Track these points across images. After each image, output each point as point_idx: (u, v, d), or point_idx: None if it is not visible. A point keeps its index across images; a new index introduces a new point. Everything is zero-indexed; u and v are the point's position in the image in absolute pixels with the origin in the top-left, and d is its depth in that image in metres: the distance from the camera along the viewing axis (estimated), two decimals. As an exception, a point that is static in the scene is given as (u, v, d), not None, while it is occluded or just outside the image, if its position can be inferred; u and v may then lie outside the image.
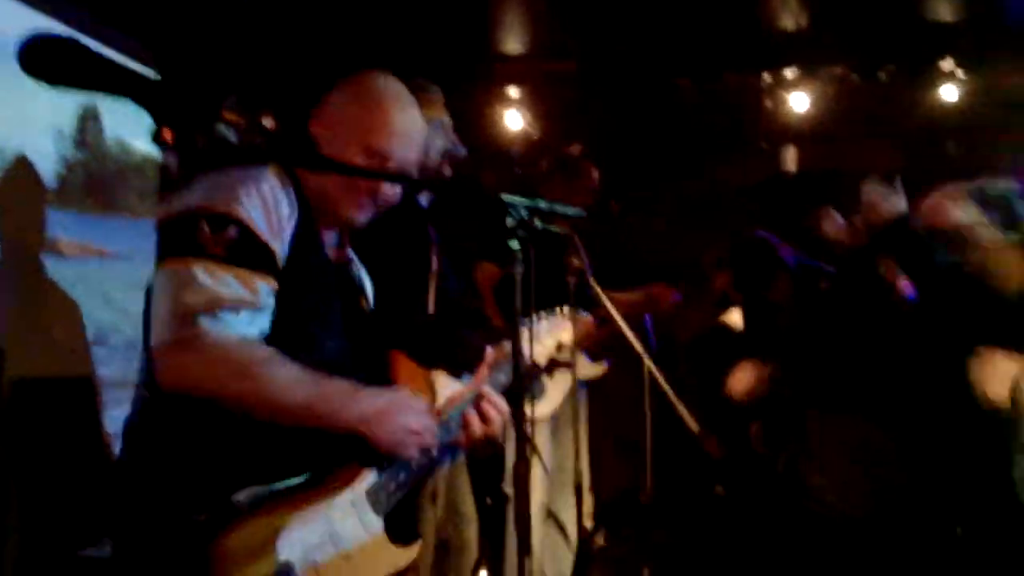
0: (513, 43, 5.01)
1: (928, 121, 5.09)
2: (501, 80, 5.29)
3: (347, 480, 1.68)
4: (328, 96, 1.83)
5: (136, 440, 1.61)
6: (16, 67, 1.17)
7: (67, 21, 3.20)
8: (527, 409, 1.69)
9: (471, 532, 2.70)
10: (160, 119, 1.32)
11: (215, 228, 1.53)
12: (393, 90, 1.84)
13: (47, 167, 3.28)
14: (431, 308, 2.52)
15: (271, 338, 1.58)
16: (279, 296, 1.59)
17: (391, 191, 1.80)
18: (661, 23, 4.65)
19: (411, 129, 1.83)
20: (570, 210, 2.29)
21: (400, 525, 1.75)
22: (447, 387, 2.59)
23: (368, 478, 1.72)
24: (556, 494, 3.65)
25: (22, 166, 3.15)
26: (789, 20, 4.68)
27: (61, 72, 1.21)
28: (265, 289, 1.57)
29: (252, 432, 1.54)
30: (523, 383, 1.93)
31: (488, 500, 3.29)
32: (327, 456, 1.65)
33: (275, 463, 1.57)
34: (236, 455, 1.53)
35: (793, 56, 5.13)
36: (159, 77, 1.90)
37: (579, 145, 4.47)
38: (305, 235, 1.67)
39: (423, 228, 2.64)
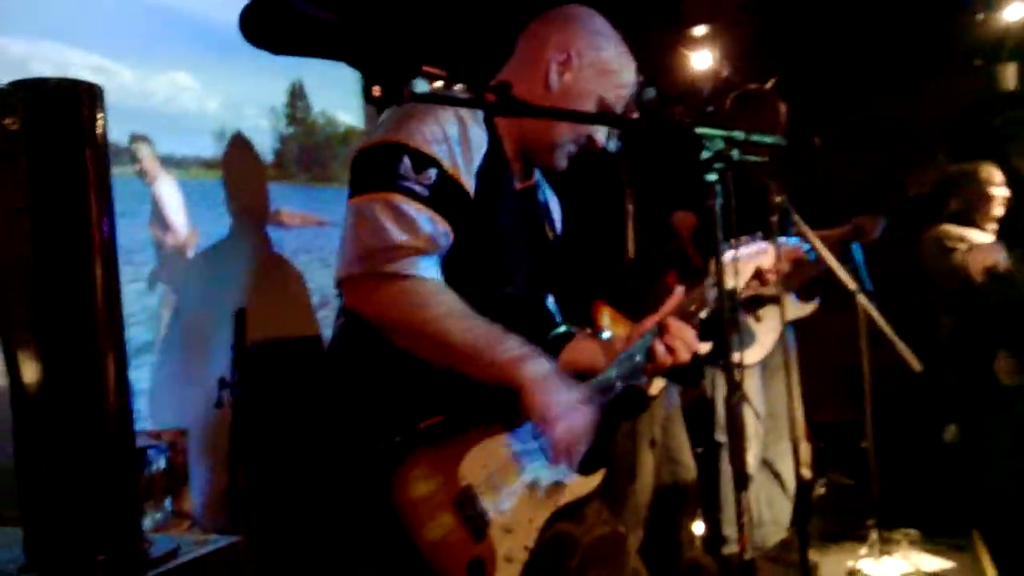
0: (697, -20, 4.85)
1: None
2: (687, 19, 5.14)
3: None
4: (558, 37, 1.78)
5: (333, 365, 1.69)
6: (231, 53, 1.26)
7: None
8: (735, 355, 1.65)
9: (688, 479, 2.69)
10: (369, 76, 1.38)
11: (417, 167, 1.55)
12: (617, 35, 1.85)
13: (265, 144, 3.54)
14: (631, 251, 2.52)
15: (465, 272, 1.61)
16: (472, 230, 1.61)
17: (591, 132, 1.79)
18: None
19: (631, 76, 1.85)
20: (768, 139, 2.20)
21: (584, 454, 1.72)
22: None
23: None
24: (771, 442, 3.57)
25: (243, 145, 3.40)
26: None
27: (279, 37, 1.29)
28: (448, 238, 1.59)
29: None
30: (727, 327, 1.89)
31: (699, 449, 3.26)
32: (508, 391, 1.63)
33: (461, 394, 1.59)
34: (423, 385, 1.57)
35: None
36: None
37: (773, 79, 4.29)
38: (494, 168, 1.67)
39: (615, 173, 2.63)
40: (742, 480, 1.81)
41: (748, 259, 2.15)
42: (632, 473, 2.44)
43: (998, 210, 4.00)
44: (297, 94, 3.74)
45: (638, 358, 1.75)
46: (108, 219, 1.05)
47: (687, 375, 2.59)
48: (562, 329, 1.82)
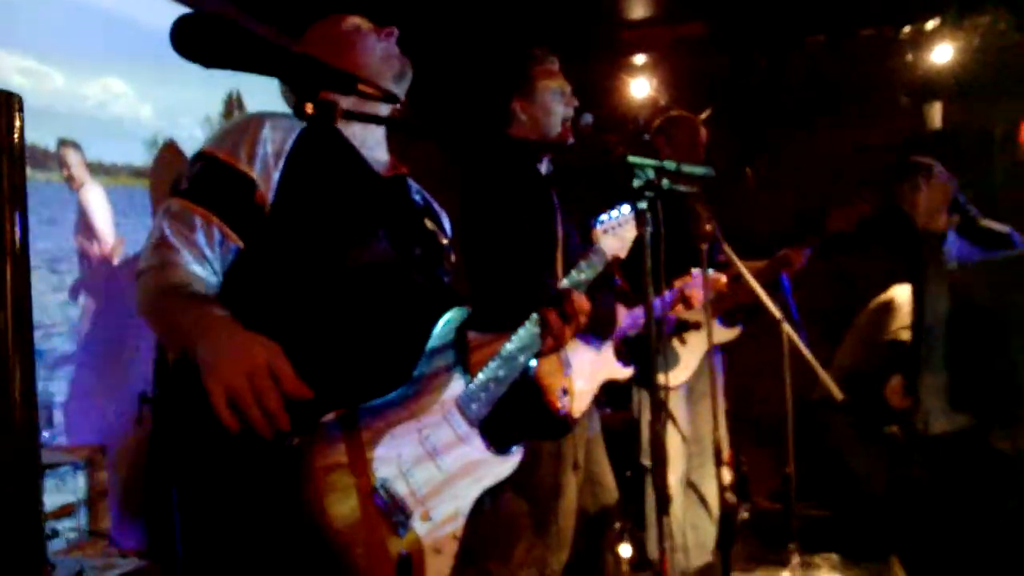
0: (639, 8, 4.93)
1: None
2: (627, 48, 5.23)
3: (436, 390, 1.66)
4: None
5: None
6: (167, 61, 1.24)
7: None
8: (660, 376, 1.68)
9: (610, 502, 2.70)
10: (301, 93, 1.38)
11: (190, 167, 1.60)
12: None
13: (198, 153, 3.49)
14: (559, 274, 2.54)
15: (295, 244, 1.59)
16: (292, 205, 1.60)
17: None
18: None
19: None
20: (699, 170, 2.25)
21: (498, 433, 1.72)
22: (578, 352, 2.63)
23: (456, 385, 1.69)
24: (695, 465, 3.62)
25: (174, 153, 3.35)
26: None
27: (211, 51, 1.28)
28: (211, 223, 1.55)
29: (335, 353, 1.55)
30: (655, 348, 1.93)
31: (628, 473, 3.28)
32: (411, 370, 1.63)
33: (362, 382, 1.56)
34: (321, 377, 1.46)
35: (934, 6, 4.86)
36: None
37: (707, 110, 4.39)
38: (327, 154, 1.69)
39: (546, 196, 2.65)
40: (664, 504, 1.85)
41: (619, 231, 2.19)
42: (556, 495, 2.44)
43: None
44: (234, 104, 3.69)
45: (534, 329, 1.82)
46: (22, 227, 1.02)
47: (551, 427, 2.54)
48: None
